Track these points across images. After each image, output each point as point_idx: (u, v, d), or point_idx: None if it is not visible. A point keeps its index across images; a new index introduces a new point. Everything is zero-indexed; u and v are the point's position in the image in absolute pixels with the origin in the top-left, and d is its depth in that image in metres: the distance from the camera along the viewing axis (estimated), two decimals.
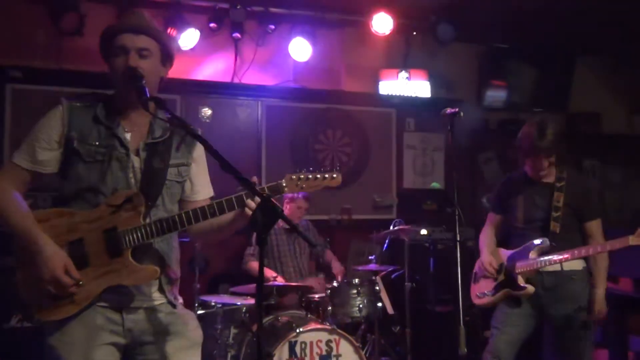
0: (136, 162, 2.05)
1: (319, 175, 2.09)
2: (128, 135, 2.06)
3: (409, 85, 5.67)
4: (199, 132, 2.02)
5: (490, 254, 3.32)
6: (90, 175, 2.00)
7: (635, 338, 4.19)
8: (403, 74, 5.64)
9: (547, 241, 3.08)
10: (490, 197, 3.49)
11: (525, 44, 5.92)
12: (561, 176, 3.19)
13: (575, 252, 3.01)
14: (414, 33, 5.60)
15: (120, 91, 2.06)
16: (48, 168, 2.02)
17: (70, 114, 2.02)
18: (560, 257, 3.03)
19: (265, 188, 2.03)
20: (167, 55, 2.10)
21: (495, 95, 6.05)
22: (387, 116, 5.77)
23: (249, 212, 1.99)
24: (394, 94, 5.65)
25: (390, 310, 4.36)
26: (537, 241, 3.11)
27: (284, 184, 2.07)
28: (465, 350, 2.41)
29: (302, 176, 2.08)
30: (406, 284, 4.55)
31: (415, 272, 4.71)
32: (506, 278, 3.18)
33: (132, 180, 2.04)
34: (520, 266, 3.12)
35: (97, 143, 2.01)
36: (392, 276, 4.82)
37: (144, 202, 2.00)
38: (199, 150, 2.18)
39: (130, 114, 2.08)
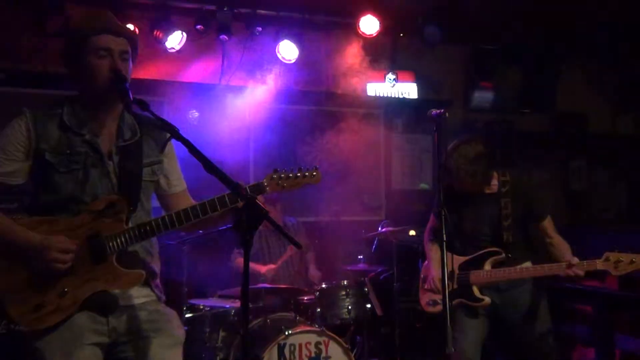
0: (110, 166, 2.05)
1: (299, 174, 2.12)
2: (98, 140, 2.05)
3: (396, 86, 5.68)
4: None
5: (437, 265, 3.21)
6: (69, 185, 1.99)
7: (622, 336, 4.22)
8: (390, 76, 5.65)
9: (501, 252, 3.05)
10: (433, 203, 3.42)
11: (512, 45, 5.96)
12: (504, 180, 3.12)
13: (545, 267, 2.94)
14: (401, 35, 5.62)
15: (94, 92, 2.03)
16: (15, 179, 2.01)
17: (36, 124, 2.00)
18: (520, 272, 2.99)
19: (247, 188, 2.04)
20: (136, 55, 2.12)
21: (483, 96, 6.08)
22: (375, 118, 5.79)
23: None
24: (381, 95, 5.67)
25: (379, 311, 4.36)
26: (491, 251, 3.08)
27: (265, 184, 2.09)
28: (453, 349, 2.41)
29: (282, 175, 2.10)
30: (395, 284, 4.55)
31: (403, 273, 4.72)
32: (459, 287, 3.13)
33: (110, 185, 2.04)
34: (475, 278, 3.08)
35: (68, 151, 2.00)
36: (381, 277, 4.83)
37: (126, 207, 2.00)
38: (169, 145, 2.19)
39: (99, 116, 2.07)
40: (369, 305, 4.20)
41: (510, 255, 3.05)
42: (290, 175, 2.11)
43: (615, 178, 6.62)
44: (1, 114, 2.18)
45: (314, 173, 2.14)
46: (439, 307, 3.22)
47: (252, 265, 4.48)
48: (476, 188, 3.10)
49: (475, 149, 3.00)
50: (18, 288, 1.93)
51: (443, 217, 2.54)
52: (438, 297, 3.24)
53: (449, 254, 3.24)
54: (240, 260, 4.53)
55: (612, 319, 4.22)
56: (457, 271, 3.17)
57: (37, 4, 4.61)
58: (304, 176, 2.13)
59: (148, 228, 1.99)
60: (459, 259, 3.19)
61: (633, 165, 6.54)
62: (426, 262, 3.46)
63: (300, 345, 3.60)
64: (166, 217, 2.01)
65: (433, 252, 3.35)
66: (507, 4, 4.99)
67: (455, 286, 3.15)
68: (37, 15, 4.59)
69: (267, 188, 2.09)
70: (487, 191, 3.13)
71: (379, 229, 4.78)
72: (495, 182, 3.13)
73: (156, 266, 2.18)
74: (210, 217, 2.08)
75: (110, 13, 2.10)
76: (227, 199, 2.01)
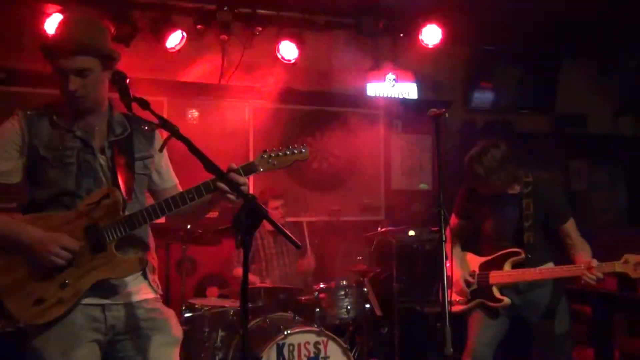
0: (103, 160, 2.08)
1: (288, 152, 2.18)
2: (90, 135, 2.08)
3: (396, 87, 5.68)
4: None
5: (460, 265, 3.23)
6: (63, 179, 2.02)
7: (621, 336, 4.22)
8: (390, 76, 5.65)
9: (522, 253, 3.05)
10: (454, 204, 3.36)
11: (512, 46, 5.96)
12: (527, 181, 3.11)
13: (565, 269, 2.97)
14: (401, 35, 5.62)
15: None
16: (10, 178, 2.03)
17: (28, 123, 2.03)
18: (540, 273, 3.00)
19: (240, 169, 2.07)
20: (109, 59, 2.05)
21: (482, 96, 6.09)
22: (374, 118, 5.78)
23: (229, 196, 2.02)
24: (381, 95, 5.66)
25: (378, 311, 4.36)
26: (511, 252, 3.07)
27: (257, 163, 2.14)
28: (451, 350, 2.41)
29: (272, 154, 2.16)
30: (394, 285, 4.55)
31: (403, 273, 4.72)
32: (479, 287, 3.15)
33: (104, 179, 2.07)
34: (495, 278, 3.09)
35: (61, 147, 2.02)
36: (380, 277, 4.83)
37: (121, 197, 2.03)
38: (159, 140, 2.21)
39: (86, 116, 2.09)
40: (368, 306, 4.19)
41: (530, 256, 3.05)
42: (280, 153, 2.17)
43: (615, 178, 6.62)
44: (1, 113, 2.20)
45: (303, 150, 2.20)
46: (460, 307, 3.23)
47: (250, 277, 4.50)
48: (502, 190, 3.09)
49: (503, 151, 2.99)
50: (17, 284, 1.94)
51: (442, 216, 2.53)
52: (458, 297, 3.24)
53: (471, 254, 3.27)
54: (238, 271, 4.52)
55: (611, 319, 4.21)
56: (477, 271, 3.18)
57: (38, 4, 4.61)
58: (293, 153, 2.18)
59: (145, 214, 2.02)
60: (480, 259, 3.20)
61: (633, 166, 6.54)
62: (447, 262, 3.45)
63: (299, 345, 3.60)
64: (162, 202, 2.05)
65: (455, 252, 3.32)
66: (507, 4, 4.99)
67: (475, 286, 3.16)
68: (37, 15, 4.59)
69: (259, 167, 2.13)
70: (510, 192, 3.12)
71: (379, 229, 4.77)
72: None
73: (153, 260, 2.21)
74: (203, 206, 2.13)
75: (73, 21, 2.07)
76: (212, 184, 2.04)
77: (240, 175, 2.05)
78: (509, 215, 3.12)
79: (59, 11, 4.56)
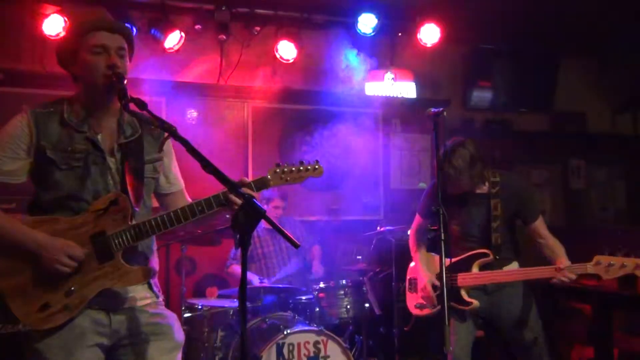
0: (112, 163, 2.04)
1: (301, 167, 2.15)
2: (100, 137, 2.04)
3: (394, 86, 5.68)
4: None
5: (427, 268, 3.19)
6: (70, 182, 1.98)
7: (620, 334, 4.22)
8: (389, 75, 5.65)
9: (490, 254, 3.01)
10: (420, 202, 3.33)
11: (510, 44, 5.96)
12: (495, 181, 3.08)
13: (534, 271, 2.92)
14: (400, 34, 5.62)
15: (93, 90, 2.02)
16: (16, 178, 1.99)
17: (37, 121, 1.98)
18: (509, 275, 2.98)
19: (252, 183, 2.06)
20: (132, 52, 2.12)
21: (481, 95, 6.08)
22: (373, 117, 5.78)
23: (235, 207, 2.00)
24: (380, 94, 5.66)
25: (377, 310, 4.37)
26: (479, 253, 3.04)
27: (269, 178, 2.11)
28: (451, 348, 2.42)
29: (285, 169, 2.13)
30: (393, 284, 4.56)
31: (402, 273, 4.71)
32: (447, 289, 3.11)
33: (112, 182, 2.03)
34: (463, 281, 3.04)
35: (70, 148, 1.98)
36: (380, 276, 4.83)
37: (130, 204, 1.99)
38: (167, 144, 2.18)
39: (99, 114, 2.06)
40: (367, 305, 4.20)
41: (498, 257, 3.02)
42: (293, 169, 2.14)
43: (614, 177, 6.63)
44: (1, 114, 2.20)
45: (316, 166, 2.17)
46: (427, 310, 3.20)
47: (248, 274, 4.51)
48: (471, 189, 3.08)
49: (471, 150, 2.99)
50: (22, 288, 1.92)
51: (441, 216, 2.53)
52: (425, 302, 3.21)
53: (439, 256, 3.24)
54: (233, 268, 4.53)
55: (610, 317, 4.21)
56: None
57: (36, 5, 4.60)
58: (307, 170, 2.15)
59: (154, 224, 1.99)
60: (447, 261, 3.17)
61: (632, 164, 6.55)
62: (412, 264, 3.43)
63: (298, 344, 3.60)
64: (171, 213, 2.01)
65: (421, 254, 3.31)
66: (506, 3, 4.99)
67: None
68: (36, 16, 4.58)
69: (271, 182, 2.11)
70: (477, 191, 3.10)
71: (378, 228, 4.78)
72: (484, 181, 3.11)
73: (155, 264, 2.19)
74: (207, 216, 2.09)
75: (105, 11, 2.11)
76: (222, 196, 2.03)
77: (252, 189, 2.04)
78: (476, 215, 3.09)
79: (57, 12, 4.56)
